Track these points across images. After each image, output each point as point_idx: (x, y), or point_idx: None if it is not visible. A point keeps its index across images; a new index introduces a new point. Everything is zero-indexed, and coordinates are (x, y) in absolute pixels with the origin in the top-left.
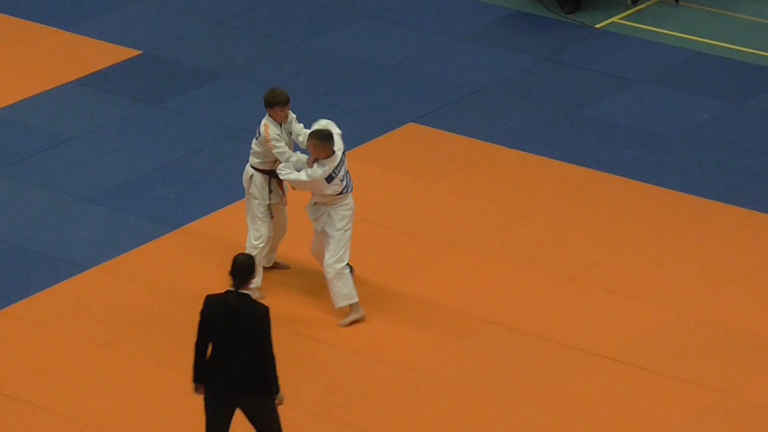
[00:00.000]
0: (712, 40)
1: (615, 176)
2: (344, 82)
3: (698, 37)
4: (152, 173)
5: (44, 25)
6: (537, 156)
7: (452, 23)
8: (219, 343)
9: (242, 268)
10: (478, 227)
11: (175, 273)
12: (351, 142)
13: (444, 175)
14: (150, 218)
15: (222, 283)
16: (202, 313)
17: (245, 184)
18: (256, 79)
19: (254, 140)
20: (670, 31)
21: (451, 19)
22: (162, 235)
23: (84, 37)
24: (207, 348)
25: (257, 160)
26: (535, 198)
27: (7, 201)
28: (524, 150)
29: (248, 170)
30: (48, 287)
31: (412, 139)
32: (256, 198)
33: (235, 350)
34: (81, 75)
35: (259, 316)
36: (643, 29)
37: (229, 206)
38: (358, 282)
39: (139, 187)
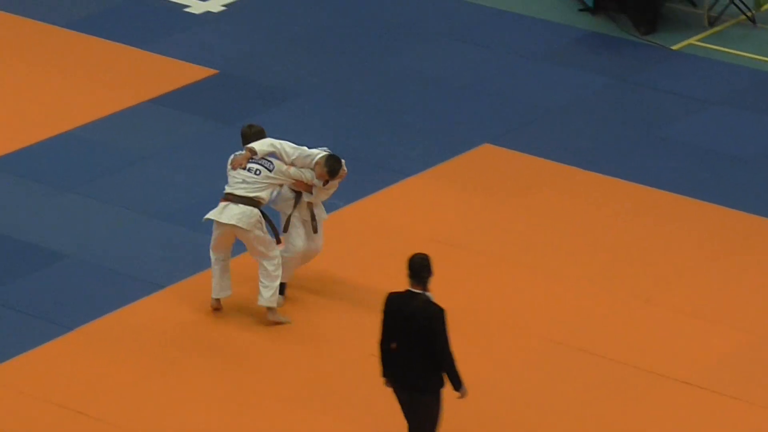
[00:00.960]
0: None
1: (689, 198)
2: (418, 102)
3: None
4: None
5: (121, 44)
6: (611, 177)
7: (527, 43)
8: (399, 340)
9: (419, 267)
10: (552, 248)
11: (248, 293)
12: (425, 162)
13: (518, 195)
14: None
15: (294, 299)
16: (384, 311)
17: (249, 227)
18: (330, 98)
19: (258, 174)
20: (747, 53)
21: (527, 39)
22: (236, 255)
23: (161, 56)
24: (388, 344)
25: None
26: (608, 219)
27: (83, 218)
28: (599, 171)
29: (253, 212)
30: (122, 306)
31: (487, 159)
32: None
33: (409, 347)
34: (157, 94)
35: (434, 316)
36: (720, 51)
37: None
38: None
39: (213, 206)
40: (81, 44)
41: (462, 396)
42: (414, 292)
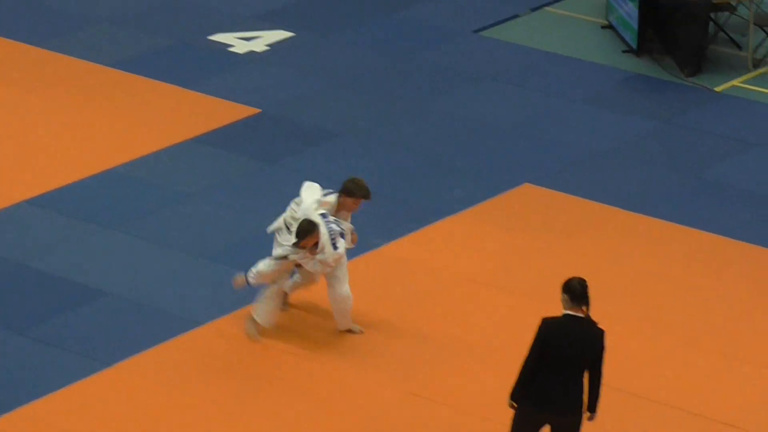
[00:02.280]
0: None
1: (734, 240)
2: (462, 143)
3: None
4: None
5: (166, 83)
6: (655, 219)
7: (572, 86)
8: (554, 363)
9: (582, 289)
10: (594, 290)
11: (291, 331)
12: (466, 201)
13: (559, 236)
14: None
15: (338, 335)
16: (542, 334)
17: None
18: (374, 139)
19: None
20: None
21: (571, 81)
22: None
23: (204, 95)
24: (537, 368)
25: None
26: (652, 262)
27: (127, 257)
28: (642, 213)
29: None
30: (162, 342)
31: (527, 199)
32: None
33: (571, 371)
34: (200, 132)
35: (599, 339)
36: (764, 93)
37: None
38: (474, 345)
39: (256, 245)
40: (127, 83)
41: (593, 418)
42: (575, 316)
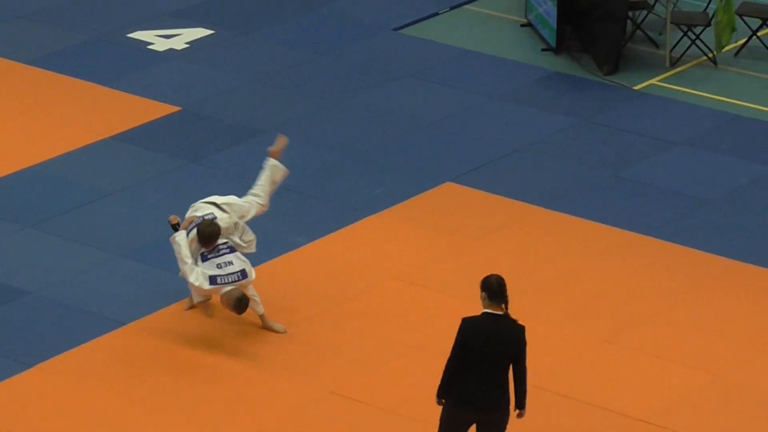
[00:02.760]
0: (750, 103)
1: (652, 238)
2: (383, 140)
3: (737, 100)
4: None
5: (84, 81)
6: (574, 217)
7: (491, 83)
8: (475, 362)
9: (499, 288)
10: (514, 288)
11: (213, 328)
12: (389, 200)
13: (481, 235)
14: None
15: (258, 337)
16: (462, 333)
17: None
18: (296, 136)
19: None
20: (708, 93)
21: (490, 79)
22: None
23: (124, 93)
24: (459, 367)
25: None
26: (572, 259)
27: (46, 255)
28: (562, 211)
29: None
30: (83, 342)
31: (450, 198)
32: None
33: (494, 368)
34: (121, 130)
35: (520, 335)
36: (682, 92)
37: (268, 262)
38: (392, 339)
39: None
40: (44, 81)
41: (522, 415)
42: (494, 314)
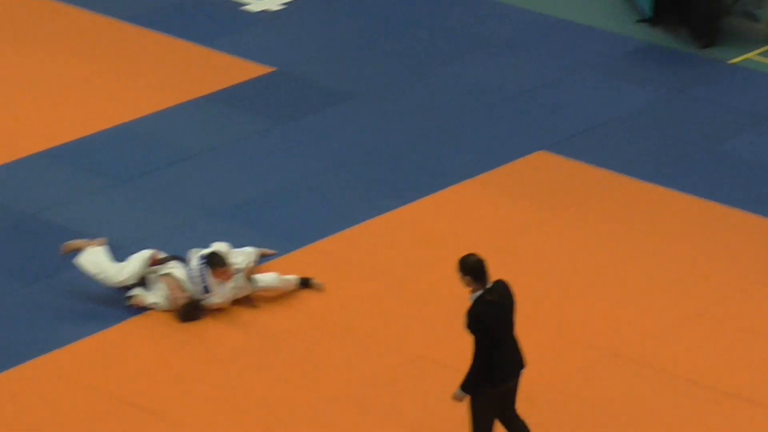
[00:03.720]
0: None
1: (746, 212)
2: (476, 108)
3: None
4: (279, 190)
5: (180, 39)
6: (666, 188)
7: (585, 54)
8: (498, 339)
9: (481, 267)
10: (604, 258)
11: (300, 291)
12: (478, 168)
13: (572, 204)
14: (275, 235)
15: (345, 301)
16: (484, 321)
17: None
18: (387, 101)
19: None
20: None
21: (584, 49)
22: (287, 252)
23: (217, 52)
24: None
25: None
26: (663, 231)
27: (136, 212)
28: (653, 182)
29: None
30: None
31: (541, 166)
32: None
33: (508, 336)
34: (214, 90)
35: (511, 291)
36: None
37: (351, 228)
38: None
39: (265, 204)
40: (140, 38)
41: (457, 399)
42: (491, 289)
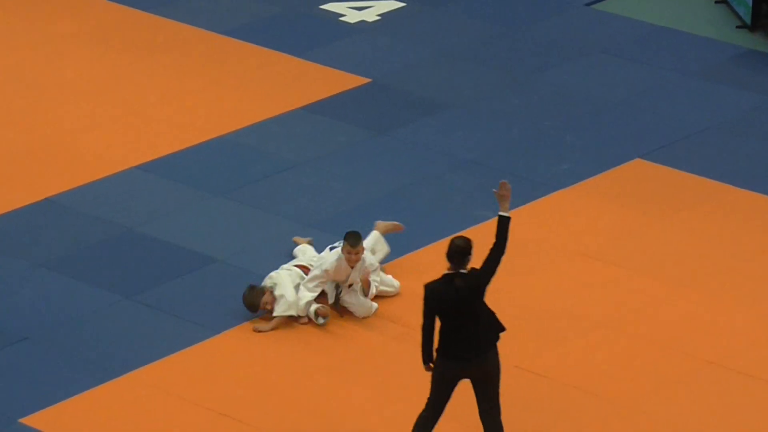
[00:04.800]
0: None
1: None
2: (572, 116)
3: None
4: (377, 201)
5: (276, 51)
6: (766, 196)
7: (684, 60)
8: (449, 320)
9: (459, 251)
10: (704, 266)
11: (395, 303)
12: (576, 176)
13: (670, 212)
14: None
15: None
16: (428, 297)
17: None
18: (483, 111)
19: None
20: None
21: (684, 55)
22: (383, 263)
23: (314, 64)
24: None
25: None
26: (764, 238)
27: (234, 223)
28: (754, 190)
29: None
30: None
31: (639, 175)
32: None
33: (463, 322)
34: (310, 101)
35: (473, 281)
36: None
37: (447, 237)
38: (577, 315)
39: (363, 215)
40: (237, 51)
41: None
42: (451, 273)
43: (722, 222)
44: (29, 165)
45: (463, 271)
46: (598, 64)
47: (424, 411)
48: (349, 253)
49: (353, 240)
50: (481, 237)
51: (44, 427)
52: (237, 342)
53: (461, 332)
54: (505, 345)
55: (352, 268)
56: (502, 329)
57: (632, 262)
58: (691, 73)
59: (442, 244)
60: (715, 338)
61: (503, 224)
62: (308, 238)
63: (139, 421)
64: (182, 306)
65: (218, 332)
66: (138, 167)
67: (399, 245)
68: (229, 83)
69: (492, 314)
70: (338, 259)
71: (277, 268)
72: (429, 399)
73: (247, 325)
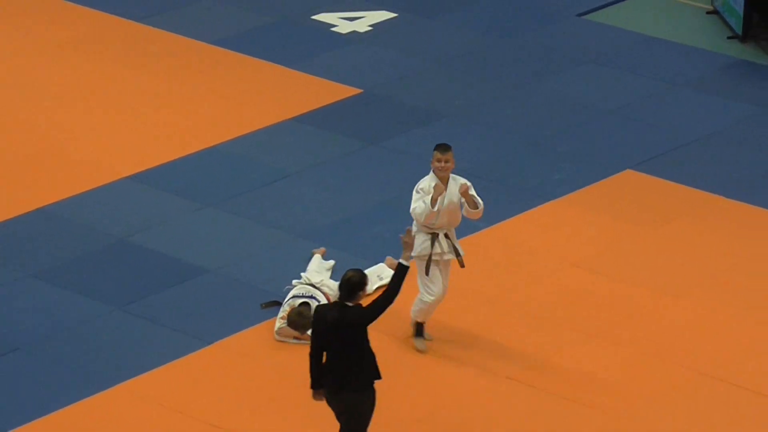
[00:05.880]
0: None
1: None
2: (563, 126)
3: None
4: (368, 212)
5: (267, 62)
6: (757, 207)
7: (674, 70)
8: (328, 347)
9: (347, 284)
10: (695, 277)
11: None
12: (568, 186)
13: (661, 223)
14: (366, 256)
15: (435, 318)
16: (314, 322)
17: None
18: (476, 121)
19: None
20: None
21: (674, 66)
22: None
23: (305, 74)
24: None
25: None
26: (754, 249)
27: (225, 234)
28: (744, 201)
29: None
30: (261, 322)
31: (629, 185)
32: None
33: (338, 351)
34: (302, 111)
35: (354, 318)
36: None
37: None
38: (569, 326)
39: (356, 225)
40: (229, 61)
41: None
42: (339, 303)
43: (713, 232)
44: (21, 175)
45: (349, 304)
46: (590, 73)
47: None
48: (438, 161)
49: (442, 147)
50: (474, 247)
51: None
52: (229, 353)
53: (336, 363)
54: (494, 354)
55: (442, 179)
56: (378, 377)
57: (623, 272)
58: (682, 83)
59: None
60: (706, 348)
61: (400, 272)
62: (322, 249)
63: (131, 431)
64: (174, 316)
65: (210, 343)
66: (130, 177)
67: (396, 256)
68: (221, 93)
69: (372, 357)
70: (429, 177)
71: (270, 280)
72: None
73: (239, 336)
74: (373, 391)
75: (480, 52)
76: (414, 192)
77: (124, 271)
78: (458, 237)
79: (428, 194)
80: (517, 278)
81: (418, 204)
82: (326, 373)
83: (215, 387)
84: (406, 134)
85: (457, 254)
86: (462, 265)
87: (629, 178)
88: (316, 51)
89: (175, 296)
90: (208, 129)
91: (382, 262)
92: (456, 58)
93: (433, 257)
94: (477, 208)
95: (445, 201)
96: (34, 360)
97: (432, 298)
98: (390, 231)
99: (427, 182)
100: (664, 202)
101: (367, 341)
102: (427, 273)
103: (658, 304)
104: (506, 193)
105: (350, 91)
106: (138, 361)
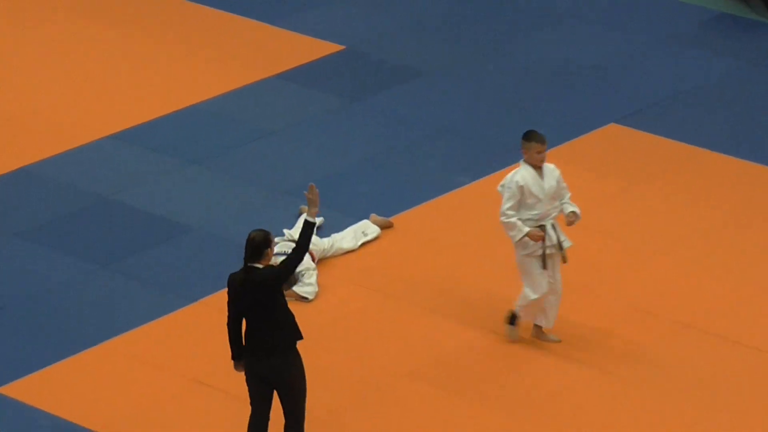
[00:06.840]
0: None
1: None
2: (545, 82)
3: None
4: (351, 169)
5: (249, 19)
6: (742, 160)
7: (656, 25)
8: (245, 314)
9: (251, 244)
10: (680, 231)
11: (375, 269)
12: (551, 141)
13: (646, 177)
14: (347, 213)
15: (418, 277)
16: (228, 289)
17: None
18: (457, 78)
19: None
20: None
21: (656, 20)
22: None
23: (288, 31)
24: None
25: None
26: (739, 203)
27: (209, 192)
28: (727, 153)
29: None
30: None
31: (613, 139)
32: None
33: (255, 317)
34: (284, 69)
35: (265, 279)
36: None
37: (425, 203)
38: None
39: (337, 183)
40: (210, 18)
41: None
42: (249, 267)
43: (698, 186)
44: (2, 135)
45: (257, 265)
46: (571, 29)
47: (250, 414)
48: (539, 152)
49: (539, 137)
50: (458, 203)
51: (20, 396)
52: (213, 310)
53: (254, 328)
54: (482, 309)
55: (539, 169)
56: (299, 337)
57: (609, 227)
58: (663, 38)
59: (418, 211)
60: (693, 302)
61: (307, 229)
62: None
63: (116, 389)
64: (158, 274)
65: (194, 300)
66: (111, 136)
67: (377, 212)
68: (202, 51)
69: (290, 317)
70: (522, 168)
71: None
72: (250, 399)
73: (222, 293)
74: (297, 354)
75: (462, 11)
76: (504, 188)
77: (107, 230)
78: (443, 193)
79: (519, 194)
80: (500, 235)
81: (514, 222)
82: (247, 341)
83: (200, 344)
84: (388, 91)
85: (560, 247)
86: (565, 261)
87: (613, 132)
88: (298, 7)
89: (158, 254)
90: (190, 87)
91: (367, 218)
92: (437, 17)
93: (547, 251)
94: (577, 219)
95: (544, 190)
96: (18, 319)
97: (536, 296)
98: (372, 187)
99: (521, 175)
100: (649, 155)
101: (284, 301)
102: (544, 267)
103: (644, 258)
104: (490, 150)
105: (333, 47)
106: (122, 320)
